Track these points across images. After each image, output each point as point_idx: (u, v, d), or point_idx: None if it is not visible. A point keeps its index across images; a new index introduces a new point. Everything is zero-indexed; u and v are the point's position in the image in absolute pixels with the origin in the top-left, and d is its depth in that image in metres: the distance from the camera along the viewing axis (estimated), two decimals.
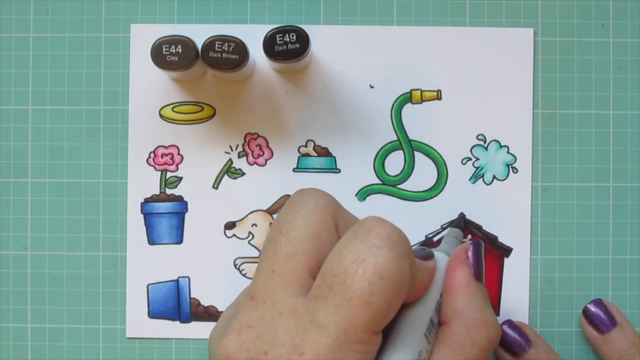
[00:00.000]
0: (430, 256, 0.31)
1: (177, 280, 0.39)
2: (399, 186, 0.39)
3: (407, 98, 0.39)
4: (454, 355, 0.28)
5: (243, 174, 0.39)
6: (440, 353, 0.28)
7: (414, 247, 0.29)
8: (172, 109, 0.39)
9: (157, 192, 0.39)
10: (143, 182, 0.39)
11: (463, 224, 0.38)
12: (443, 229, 0.39)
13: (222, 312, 0.38)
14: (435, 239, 0.39)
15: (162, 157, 0.39)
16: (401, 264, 0.26)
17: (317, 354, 0.25)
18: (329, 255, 0.26)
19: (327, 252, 0.27)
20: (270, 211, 0.39)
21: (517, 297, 0.39)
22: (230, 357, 0.26)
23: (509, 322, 0.38)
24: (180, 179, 0.39)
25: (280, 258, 0.27)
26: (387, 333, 0.28)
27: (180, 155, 0.39)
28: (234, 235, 0.39)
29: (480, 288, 0.31)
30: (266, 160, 0.39)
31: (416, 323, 0.29)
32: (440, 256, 0.32)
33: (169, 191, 0.39)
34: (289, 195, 0.39)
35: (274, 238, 0.28)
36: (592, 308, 0.38)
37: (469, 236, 0.39)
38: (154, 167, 0.39)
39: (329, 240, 0.28)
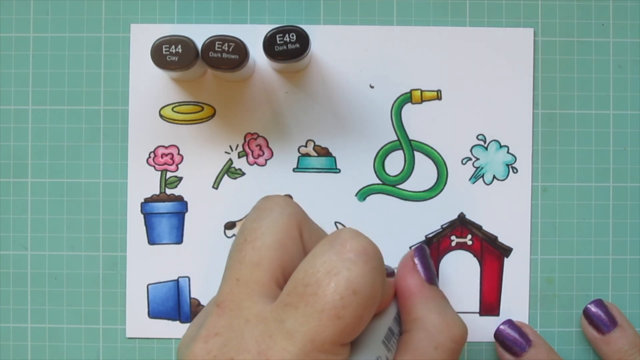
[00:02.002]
0: (392, 273, 0.31)
1: (177, 280, 0.39)
2: (399, 186, 0.39)
3: (407, 98, 0.39)
4: None
5: (243, 174, 0.39)
6: None
7: None
8: (172, 109, 0.39)
9: (157, 192, 0.39)
10: (143, 182, 0.39)
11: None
12: (443, 229, 0.39)
13: None
14: (435, 239, 0.39)
15: (162, 157, 0.39)
16: (374, 279, 0.26)
17: None
18: (302, 264, 0.26)
19: (292, 260, 0.27)
20: None
21: (517, 297, 0.39)
22: None
23: (509, 322, 0.38)
24: (180, 179, 0.39)
25: (245, 266, 0.27)
26: None
27: (180, 155, 0.39)
28: (234, 235, 0.39)
29: (434, 291, 0.31)
30: (266, 160, 0.39)
31: (375, 332, 0.29)
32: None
33: (169, 191, 0.39)
34: (289, 195, 0.39)
35: (239, 246, 0.28)
36: (593, 308, 0.38)
37: (469, 236, 0.39)
38: (154, 167, 0.39)
39: (295, 249, 0.28)
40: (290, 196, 0.39)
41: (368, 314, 0.26)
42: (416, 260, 0.32)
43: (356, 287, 0.25)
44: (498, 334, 0.38)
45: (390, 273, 0.32)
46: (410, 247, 0.39)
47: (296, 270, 0.26)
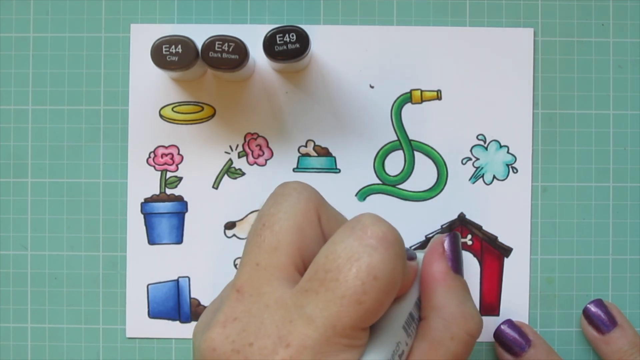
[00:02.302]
0: (413, 257, 0.31)
1: (177, 280, 0.39)
2: (399, 186, 0.39)
3: (407, 98, 0.39)
4: (433, 350, 0.28)
5: (243, 174, 0.39)
6: (420, 349, 0.28)
7: None
8: (172, 109, 0.39)
9: (157, 192, 0.39)
10: (143, 182, 0.39)
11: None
12: (443, 229, 0.39)
13: None
14: None
15: (162, 157, 0.39)
16: (395, 265, 0.26)
17: (304, 346, 0.25)
18: (322, 249, 0.26)
19: (311, 244, 0.27)
20: None
21: (517, 297, 0.39)
22: (215, 349, 0.26)
23: (509, 322, 0.38)
24: (180, 179, 0.39)
25: (264, 251, 0.27)
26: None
27: (180, 155, 0.39)
28: (234, 235, 0.39)
29: (458, 280, 0.31)
30: (266, 160, 0.39)
31: (395, 317, 0.29)
32: (422, 256, 0.32)
33: (169, 191, 0.39)
34: None
35: (257, 231, 0.28)
36: (593, 308, 0.38)
37: (469, 236, 0.39)
38: (154, 167, 0.39)
39: (313, 233, 0.28)
40: None
41: (388, 300, 0.26)
42: (446, 246, 0.32)
43: (377, 273, 0.25)
44: (498, 334, 0.38)
45: (411, 257, 0.31)
46: (410, 247, 0.39)
47: (317, 255, 0.26)
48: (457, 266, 0.31)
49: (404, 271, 0.27)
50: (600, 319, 0.38)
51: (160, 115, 0.39)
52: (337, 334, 0.25)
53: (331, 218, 0.29)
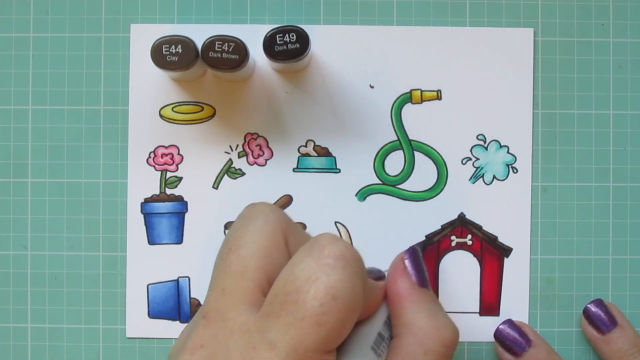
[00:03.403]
0: (382, 276, 0.31)
1: (177, 280, 0.39)
2: (399, 186, 0.39)
3: (407, 98, 0.39)
4: None
5: (243, 174, 0.39)
6: None
7: (366, 268, 0.29)
8: (172, 109, 0.39)
9: (157, 192, 0.39)
10: (143, 182, 0.39)
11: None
12: (443, 229, 0.39)
13: None
14: (435, 239, 0.39)
15: (162, 157, 0.39)
16: (354, 284, 0.25)
17: None
18: (282, 272, 0.26)
19: (278, 267, 0.27)
20: None
21: (517, 297, 0.39)
22: None
23: (509, 322, 0.38)
24: (180, 179, 0.39)
25: (230, 276, 0.27)
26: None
27: (180, 155, 0.39)
28: None
29: (425, 294, 0.31)
30: (266, 160, 0.39)
31: (363, 338, 0.28)
32: None
33: (169, 191, 0.39)
34: (289, 195, 0.39)
35: (223, 255, 0.28)
36: (593, 308, 0.38)
37: (469, 236, 0.39)
38: (154, 167, 0.39)
39: (279, 256, 0.28)
40: (290, 196, 0.39)
41: (350, 319, 0.26)
42: (407, 263, 0.32)
43: (335, 293, 0.25)
44: (498, 334, 0.38)
45: (379, 277, 0.31)
46: (416, 244, 0.39)
47: (277, 278, 0.26)
48: (421, 280, 0.31)
49: (364, 289, 0.27)
50: (601, 319, 0.38)
51: (160, 115, 0.39)
52: (300, 358, 0.24)
53: (299, 240, 0.29)
